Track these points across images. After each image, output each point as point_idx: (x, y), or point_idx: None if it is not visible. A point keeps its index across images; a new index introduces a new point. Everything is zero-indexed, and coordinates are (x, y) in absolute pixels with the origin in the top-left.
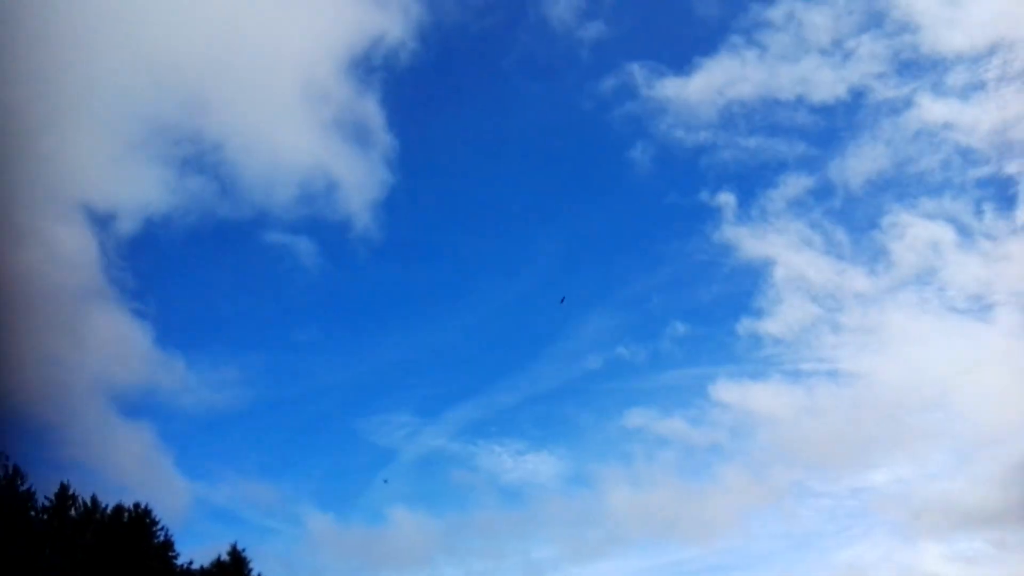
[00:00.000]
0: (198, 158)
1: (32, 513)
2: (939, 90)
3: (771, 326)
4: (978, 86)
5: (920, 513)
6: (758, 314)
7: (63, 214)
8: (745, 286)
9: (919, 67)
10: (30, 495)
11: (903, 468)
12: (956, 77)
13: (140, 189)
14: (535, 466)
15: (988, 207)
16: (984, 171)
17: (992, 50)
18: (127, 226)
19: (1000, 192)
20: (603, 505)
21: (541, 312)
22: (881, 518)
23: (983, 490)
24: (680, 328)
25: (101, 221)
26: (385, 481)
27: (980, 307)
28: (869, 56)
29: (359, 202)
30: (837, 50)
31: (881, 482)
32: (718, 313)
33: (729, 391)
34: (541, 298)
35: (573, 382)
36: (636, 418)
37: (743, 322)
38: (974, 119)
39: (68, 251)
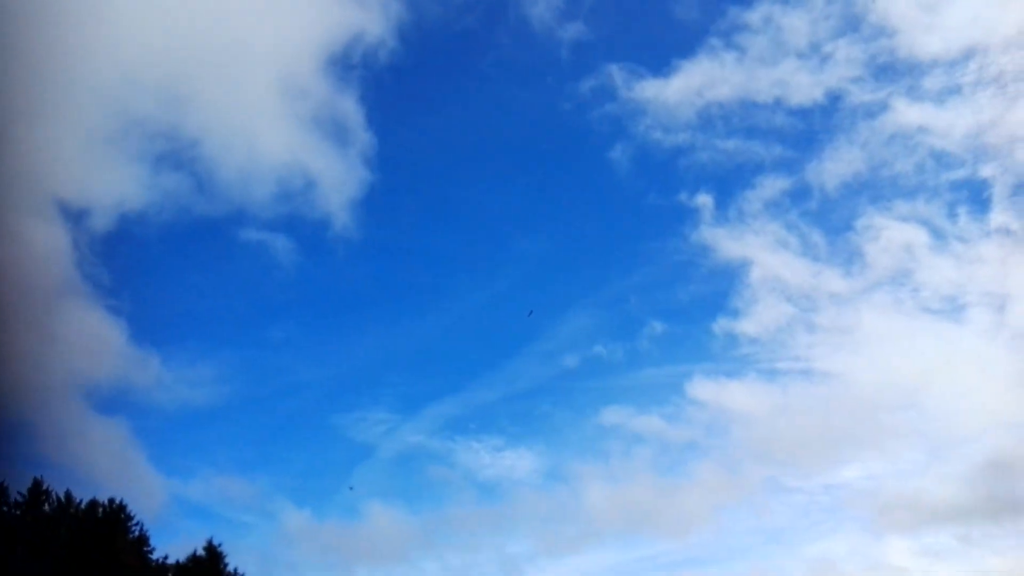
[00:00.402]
0: (174, 154)
1: (5, 508)
2: (915, 94)
3: (747, 326)
4: (954, 90)
5: (889, 509)
6: (734, 314)
7: (36, 209)
8: (722, 286)
9: (895, 71)
10: (3, 490)
11: (874, 465)
12: (932, 81)
13: (115, 185)
14: (513, 462)
15: (962, 210)
16: (958, 174)
17: (968, 55)
18: (101, 222)
19: (974, 195)
20: (579, 501)
21: (519, 311)
22: (851, 513)
23: (951, 487)
24: (657, 327)
25: (75, 217)
26: (351, 488)
27: (953, 308)
28: (846, 60)
29: (337, 200)
30: (814, 54)
31: (852, 478)
32: (695, 313)
33: (705, 389)
34: (520, 297)
35: (551, 380)
36: (613, 415)
37: (719, 321)
38: (949, 123)
39: (41, 247)
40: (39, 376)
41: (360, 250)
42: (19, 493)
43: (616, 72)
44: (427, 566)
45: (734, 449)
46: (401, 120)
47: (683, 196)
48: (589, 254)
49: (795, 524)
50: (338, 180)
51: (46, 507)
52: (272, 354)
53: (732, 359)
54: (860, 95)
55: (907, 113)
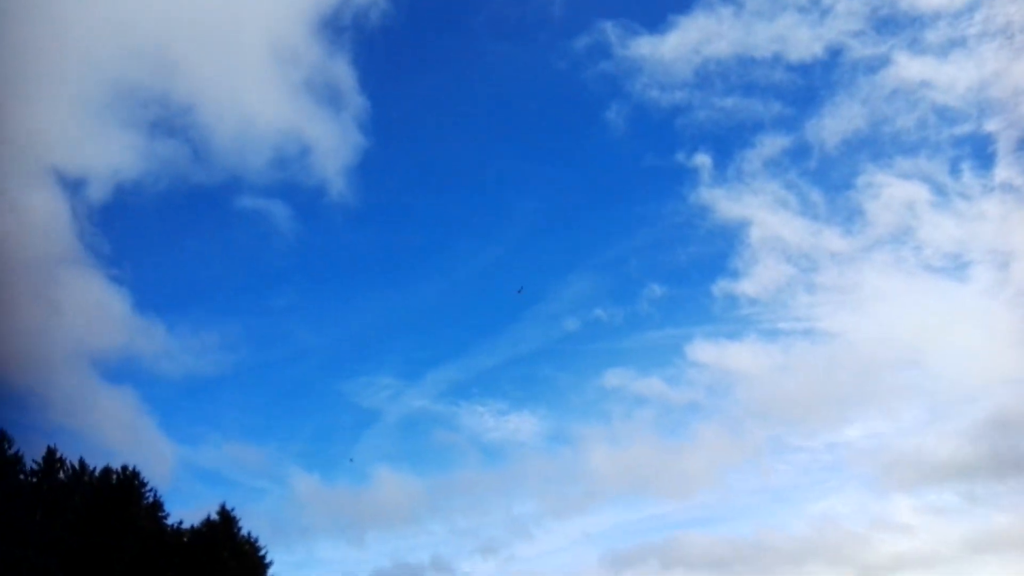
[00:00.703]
0: (167, 121)
1: (21, 476)
2: (917, 47)
3: (747, 286)
4: (957, 42)
5: (892, 467)
6: (734, 275)
7: (34, 180)
8: (721, 247)
9: (897, 24)
10: (18, 459)
11: (877, 423)
12: (935, 34)
13: (110, 153)
14: (517, 425)
15: (965, 166)
16: (962, 129)
17: (973, 5)
18: (99, 191)
19: (978, 150)
20: (583, 462)
21: (519, 274)
22: (855, 472)
23: (954, 444)
24: (657, 290)
25: (72, 186)
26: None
27: (955, 266)
28: (846, 13)
29: (333, 166)
30: (814, 7)
31: (855, 437)
32: (694, 274)
33: (706, 351)
34: (518, 260)
35: (552, 344)
36: (614, 378)
37: (719, 283)
38: (952, 77)
39: (41, 218)
40: (47, 347)
41: (357, 215)
42: (34, 461)
43: (610, 29)
44: (435, 527)
45: (736, 410)
46: (394, 82)
47: (681, 156)
48: (586, 216)
49: (799, 483)
50: (333, 145)
51: (61, 475)
52: (274, 321)
53: (732, 320)
54: (861, 49)
55: (909, 67)
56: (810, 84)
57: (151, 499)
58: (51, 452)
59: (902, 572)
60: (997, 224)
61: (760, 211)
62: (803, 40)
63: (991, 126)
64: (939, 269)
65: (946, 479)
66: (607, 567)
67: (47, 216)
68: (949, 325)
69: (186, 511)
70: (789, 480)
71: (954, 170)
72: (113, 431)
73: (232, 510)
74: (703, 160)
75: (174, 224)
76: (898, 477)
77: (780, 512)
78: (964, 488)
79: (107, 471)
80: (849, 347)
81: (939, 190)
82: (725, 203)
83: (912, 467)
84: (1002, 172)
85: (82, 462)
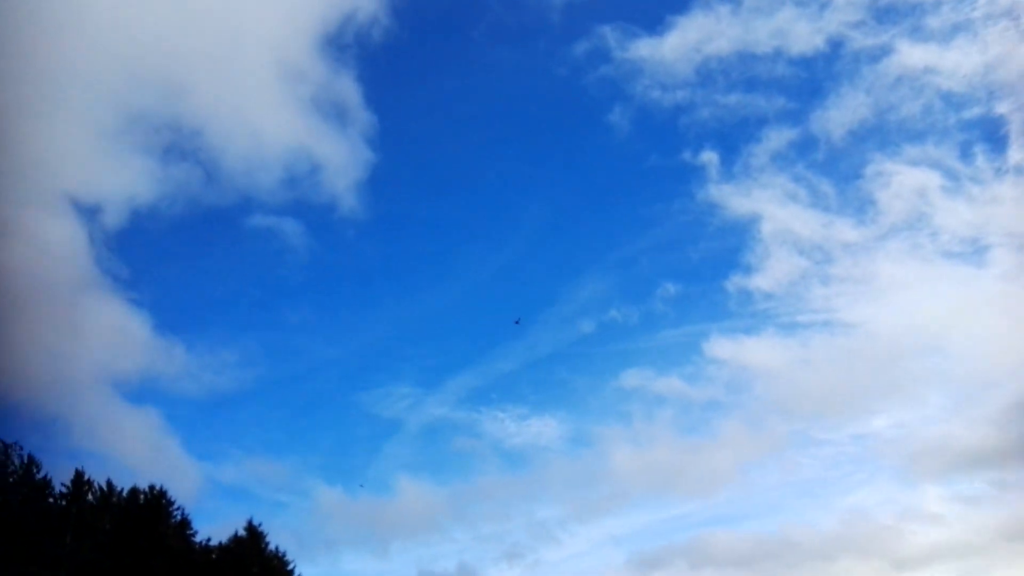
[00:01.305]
0: (179, 145)
1: (50, 500)
2: (919, 35)
3: (761, 281)
4: (961, 27)
5: (920, 456)
6: (747, 270)
7: (50, 207)
8: (732, 243)
9: (898, 12)
10: (47, 483)
11: (902, 413)
12: (938, 20)
13: (124, 179)
14: (538, 430)
15: (978, 149)
16: (971, 113)
17: None
18: (115, 217)
19: (989, 134)
20: (605, 464)
21: (531, 278)
22: (882, 463)
23: (981, 431)
24: (671, 288)
25: (89, 213)
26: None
27: (973, 250)
28: (846, 5)
29: (343, 182)
30: (813, 1)
31: (881, 427)
32: (707, 271)
33: (723, 347)
34: (530, 264)
35: (569, 346)
36: (632, 378)
37: (733, 279)
38: (956, 62)
39: (59, 244)
40: (71, 372)
41: (368, 228)
42: (63, 484)
43: (609, 33)
44: (459, 535)
45: (758, 405)
46: (399, 96)
47: (687, 155)
48: (596, 218)
49: (825, 476)
50: (342, 162)
51: (89, 497)
52: (291, 336)
53: (748, 315)
54: (862, 40)
55: (912, 54)
56: (813, 76)
57: (179, 518)
58: (79, 475)
59: (935, 563)
60: (1013, 206)
61: (770, 205)
62: (803, 33)
63: (1002, 108)
64: (956, 254)
65: (975, 467)
66: (634, 569)
67: (65, 243)
68: (970, 310)
69: (212, 528)
70: (815, 474)
71: (966, 154)
72: (138, 452)
73: (259, 525)
74: (710, 157)
75: (189, 246)
76: (926, 466)
77: (808, 507)
78: (994, 476)
79: (134, 492)
80: (869, 337)
81: (951, 175)
82: (734, 199)
83: (940, 456)
84: (1016, 154)
85: (109, 484)
